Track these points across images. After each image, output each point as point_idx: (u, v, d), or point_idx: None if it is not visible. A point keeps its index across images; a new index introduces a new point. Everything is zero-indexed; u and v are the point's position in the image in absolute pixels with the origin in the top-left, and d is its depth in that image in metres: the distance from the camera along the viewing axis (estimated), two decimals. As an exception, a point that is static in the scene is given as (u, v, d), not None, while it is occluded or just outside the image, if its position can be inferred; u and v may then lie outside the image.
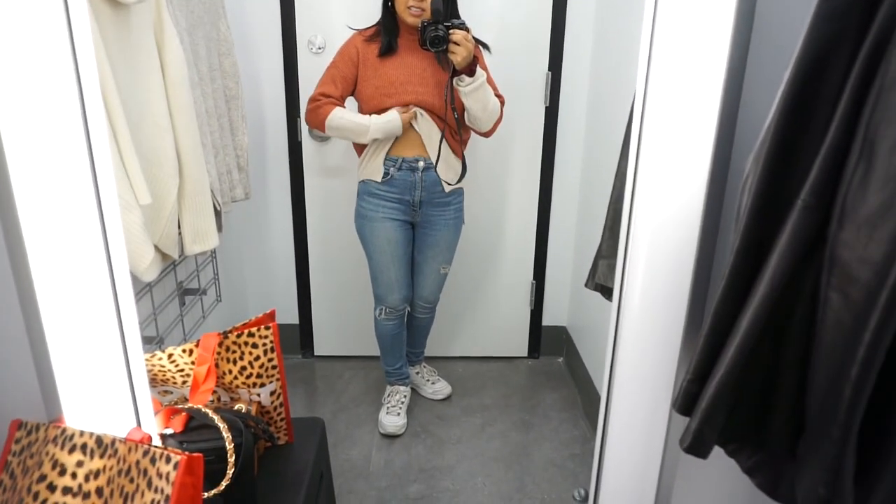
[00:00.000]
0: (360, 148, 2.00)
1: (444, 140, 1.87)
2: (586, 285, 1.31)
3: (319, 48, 2.23)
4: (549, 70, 2.31)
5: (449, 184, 1.95)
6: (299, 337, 2.63)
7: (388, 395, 2.25)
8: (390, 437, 2.13)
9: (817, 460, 0.62)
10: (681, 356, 0.95)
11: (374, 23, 1.91)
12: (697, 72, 0.85)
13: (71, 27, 0.74)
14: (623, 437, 1.05)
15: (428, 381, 2.38)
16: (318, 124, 1.89)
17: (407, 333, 2.27)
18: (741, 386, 0.65)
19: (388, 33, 1.86)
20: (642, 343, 0.96)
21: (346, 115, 1.86)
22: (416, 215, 2.00)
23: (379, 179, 1.93)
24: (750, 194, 0.64)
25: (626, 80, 1.90)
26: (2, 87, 0.72)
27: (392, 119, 1.84)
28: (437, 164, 1.89)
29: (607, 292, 1.21)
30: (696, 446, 0.71)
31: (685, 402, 0.72)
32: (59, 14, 0.73)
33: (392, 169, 1.92)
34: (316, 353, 2.66)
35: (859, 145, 0.56)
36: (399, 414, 2.18)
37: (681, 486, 1.03)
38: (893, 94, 0.53)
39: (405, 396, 2.25)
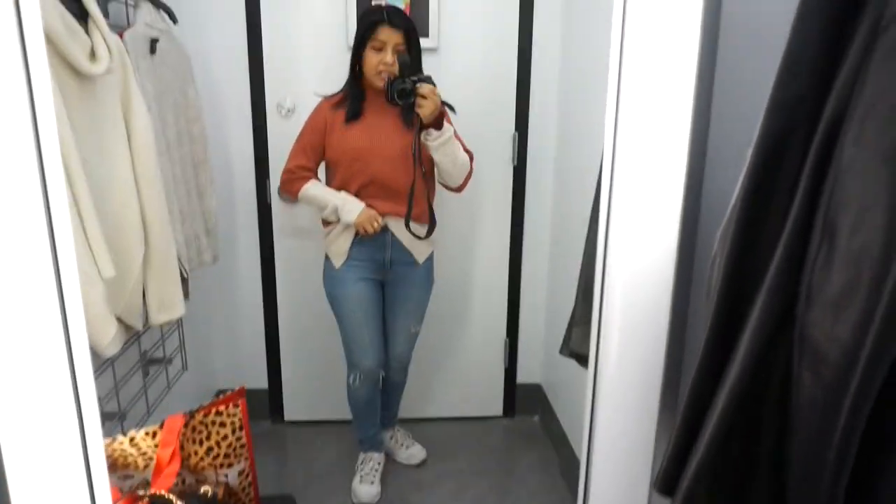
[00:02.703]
0: (325, 222, 1.99)
1: (412, 198, 1.85)
2: (561, 352, 1.31)
3: (289, 111, 2.25)
4: (515, 130, 2.36)
5: (419, 237, 1.93)
6: (268, 402, 2.55)
7: (362, 463, 2.17)
8: (364, 506, 2.06)
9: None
10: (658, 426, 0.94)
11: (341, 87, 1.92)
12: (663, 135, 0.87)
13: (34, 102, 0.72)
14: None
15: (402, 445, 2.32)
16: (292, 194, 1.96)
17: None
18: (720, 468, 0.65)
19: (354, 99, 1.87)
20: (620, 413, 0.95)
21: (318, 188, 1.93)
22: (387, 273, 1.99)
23: (337, 266, 1.95)
24: (719, 274, 0.65)
25: (594, 140, 1.95)
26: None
27: (353, 211, 1.86)
28: (407, 222, 1.86)
29: (582, 360, 1.21)
30: (679, 528, 0.70)
31: (665, 483, 0.71)
32: (21, 89, 0.71)
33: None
34: (286, 419, 2.57)
35: (820, 227, 0.57)
36: (373, 482, 2.10)
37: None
38: (848, 179, 0.55)
39: (379, 464, 2.18)
